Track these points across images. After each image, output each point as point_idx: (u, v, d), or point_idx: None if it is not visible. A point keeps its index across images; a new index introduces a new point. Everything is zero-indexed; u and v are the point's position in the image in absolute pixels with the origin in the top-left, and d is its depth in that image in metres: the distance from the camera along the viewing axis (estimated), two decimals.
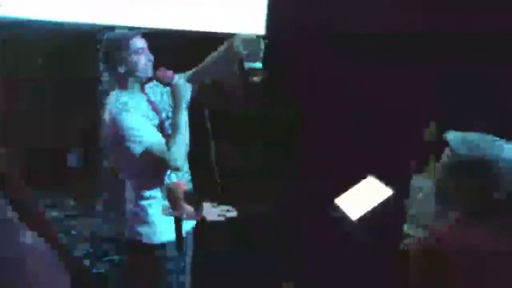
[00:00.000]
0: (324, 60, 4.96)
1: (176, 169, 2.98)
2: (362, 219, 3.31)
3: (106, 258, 4.29)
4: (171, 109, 3.11)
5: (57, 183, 4.71)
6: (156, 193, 3.06)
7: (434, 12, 4.84)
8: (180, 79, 3.05)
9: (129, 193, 3.15)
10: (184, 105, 3.02)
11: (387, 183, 3.50)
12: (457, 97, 4.72)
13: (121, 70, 3.03)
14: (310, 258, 4.61)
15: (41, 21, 4.25)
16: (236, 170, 5.22)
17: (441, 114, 4.67)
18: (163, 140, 2.98)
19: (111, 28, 3.48)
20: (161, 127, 3.08)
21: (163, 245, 3.05)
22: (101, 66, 3.22)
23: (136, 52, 3.03)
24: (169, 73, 3.06)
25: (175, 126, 3.01)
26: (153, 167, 2.99)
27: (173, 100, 3.04)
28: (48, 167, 4.74)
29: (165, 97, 3.19)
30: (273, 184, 5.12)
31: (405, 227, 4.56)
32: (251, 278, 4.42)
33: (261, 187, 5.07)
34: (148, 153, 2.93)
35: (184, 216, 2.77)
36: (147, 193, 3.06)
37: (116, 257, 4.30)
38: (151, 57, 3.09)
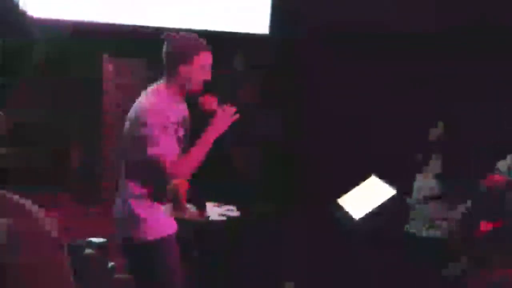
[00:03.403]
0: (326, 59, 4.95)
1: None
2: (364, 218, 3.30)
3: None
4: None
5: (57, 183, 4.71)
6: (147, 191, 3.05)
7: (436, 12, 4.84)
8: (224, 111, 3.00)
9: (121, 192, 3.13)
10: (215, 136, 2.97)
11: (390, 183, 3.49)
12: (462, 97, 4.71)
13: (176, 77, 2.98)
14: (311, 258, 4.60)
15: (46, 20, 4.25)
16: (237, 171, 5.22)
17: (447, 114, 4.67)
18: (175, 157, 2.98)
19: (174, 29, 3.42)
20: (184, 140, 3.08)
21: (156, 242, 3.05)
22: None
23: (200, 67, 2.98)
24: (215, 102, 3.04)
25: (199, 148, 2.97)
26: (153, 173, 2.98)
27: (210, 126, 2.97)
28: (48, 167, 4.73)
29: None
30: (275, 184, 5.12)
31: (408, 226, 4.56)
32: (252, 278, 4.41)
33: (263, 187, 5.06)
34: (155, 159, 2.92)
35: (186, 216, 2.76)
36: (138, 192, 3.05)
37: None
38: (209, 76, 3.03)
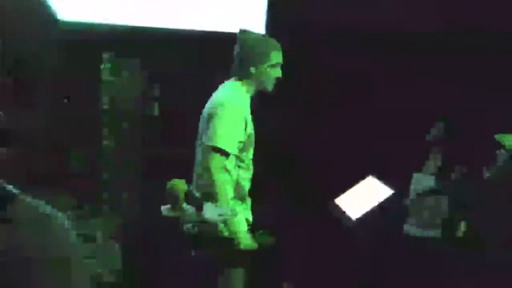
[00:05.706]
0: (323, 59, 4.96)
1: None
2: (362, 218, 3.31)
3: None
4: None
5: (57, 183, 4.72)
6: None
7: (436, 12, 4.84)
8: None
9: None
10: None
11: (390, 183, 3.50)
12: (462, 97, 4.72)
13: (248, 76, 3.06)
14: (310, 258, 4.60)
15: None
16: None
17: (444, 113, 4.67)
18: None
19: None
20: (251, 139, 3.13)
21: None
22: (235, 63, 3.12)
23: (274, 65, 3.07)
24: None
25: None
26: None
27: None
28: (49, 167, 4.74)
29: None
30: (273, 184, 5.12)
31: (405, 226, 4.56)
32: (250, 278, 4.41)
33: (261, 187, 5.07)
34: (220, 154, 2.96)
35: (183, 216, 2.76)
36: None
37: None
38: (280, 74, 3.11)
